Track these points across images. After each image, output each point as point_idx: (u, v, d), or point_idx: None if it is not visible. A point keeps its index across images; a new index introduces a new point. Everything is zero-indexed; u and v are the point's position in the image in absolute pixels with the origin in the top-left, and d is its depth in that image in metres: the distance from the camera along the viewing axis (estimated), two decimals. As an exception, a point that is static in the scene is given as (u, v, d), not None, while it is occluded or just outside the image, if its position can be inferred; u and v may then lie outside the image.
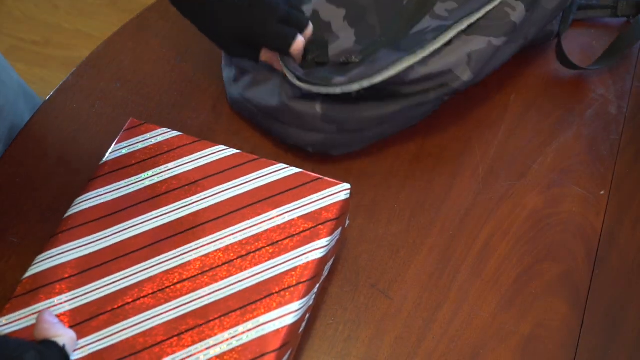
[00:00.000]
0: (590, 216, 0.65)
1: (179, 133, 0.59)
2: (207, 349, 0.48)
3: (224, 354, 0.48)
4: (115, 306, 0.50)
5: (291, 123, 0.64)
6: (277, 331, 0.48)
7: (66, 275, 0.51)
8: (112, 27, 0.78)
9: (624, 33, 0.73)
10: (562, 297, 0.61)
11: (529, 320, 0.59)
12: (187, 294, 0.50)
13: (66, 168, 0.67)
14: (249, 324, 0.49)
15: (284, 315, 0.49)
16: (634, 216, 0.65)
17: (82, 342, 0.48)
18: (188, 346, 0.48)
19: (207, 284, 0.51)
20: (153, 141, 0.59)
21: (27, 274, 0.52)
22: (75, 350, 0.48)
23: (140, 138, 0.59)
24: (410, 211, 0.65)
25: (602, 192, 0.67)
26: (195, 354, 0.48)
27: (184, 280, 0.51)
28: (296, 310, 0.50)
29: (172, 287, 0.51)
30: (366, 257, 0.63)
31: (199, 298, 0.50)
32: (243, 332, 0.48)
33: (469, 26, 0.62)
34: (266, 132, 0.68)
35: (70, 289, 0.51)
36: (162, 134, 0.59)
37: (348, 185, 0.56)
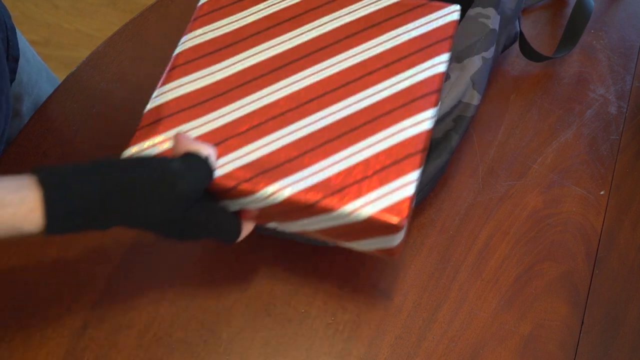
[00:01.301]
0: (590, 216, 0.65)
1: None
2: (347, 157, 0.49)
3: (370, 157, 0.48)
4: (244, 129, 0.50)
5: None
6: (418, 135, 0.49)
7: (187, 106, 0.52)
8: (112, 27, 0.78)
9: (574, 12, 0.74)
10: (562, 297, 0.61)
11: (529, 320, 0.59)
12: (318, 110, 0.51)
13: (66, 168, 0.67)
14: (392, 129, 0.50)
15: (421, 122, 0.50)
16: (634, 216, 0.65)
17: (220, 161, 0.49)
18: (329, 156, 0.49)
19: (339, 99, 0.52)
20: None
21: (148, 108, 0.53)
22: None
23: None
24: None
25: (602, 192, 0.67)
26: (338, 161, 0.48)
27: (314, 99, 0.52)
28: (431, 118, 0.50)
29: (302, 106, 0.51)
30: (366, 257, 0.63)
31: (336, 111, 0.51)
32: (386, 138, 0.49)
33: (458, 54, 0.61)
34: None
35: (196, 117, 0.51)
36: None
37: (458, 7, 0.57)
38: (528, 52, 0.73)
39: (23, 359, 0.57)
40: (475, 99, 0.61)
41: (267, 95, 0.52)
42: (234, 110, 0.52)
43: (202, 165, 0.46)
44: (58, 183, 0.41)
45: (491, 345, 0.58)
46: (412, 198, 0.48)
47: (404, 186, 0.47)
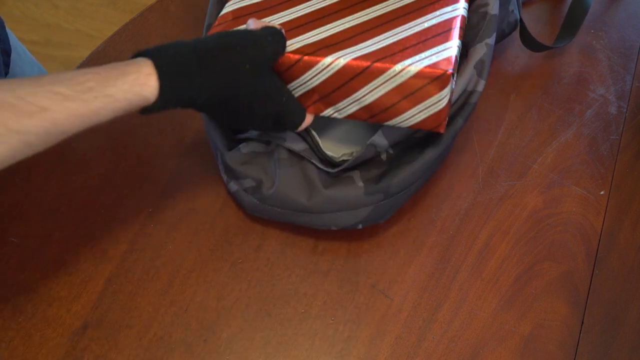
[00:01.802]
0: (590, 216, 0.65)
1: None
2: (393, 35, 0.57)
3: (413, 35, 0.57)
4: (304, 22, 0.59)
5: (330, 209, 0.61)
6: (454, 18, 0.57)
7: (256, 10, 0.62)
8: (112, 27, 0.78)
9: (573, 3, 0.74)
10: (562, 297, 0.61)
11: (529, 320, 0.59)
12: (365, 8, 0.60)
13: (66, 168, 0.67)
14: (429, 15, 0.58)
15: (456, 9, 0.58)
16: (634, 216, 0.65)
17: (291, 41, 0.57)
18: (378, 35, 0.57)
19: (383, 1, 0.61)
20: None
21: (222, 12, 0.62)
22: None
23: None
24: (410, 211, 0.65)
25: (602, 192, 0.67)
26: (386, 38, 0.56)
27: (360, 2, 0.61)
28: (463, 8, 0.59)
29: (351, 7, 0.61)
30: (366, 257, 0.63)
31: (381, 7, 0.60)
32: (425, 21, 0.58)
33: (464, 44, 0.62)
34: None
35: (263, 17, 0.60)
36: None
37: None
38: (528, 41, 0.74)
39: (23, 359, 0.57)
40: (479, 85, 0.61)
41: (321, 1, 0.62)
42: (295, 12, 0.61)
43: (280, 34, 0.54)
44: (162, 53, 0.49)
45: (491, 345, 0.58)
46: (455, 58, 0.54)
47: (446, 49, 0.54)
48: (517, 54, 0.76)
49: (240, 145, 0.63)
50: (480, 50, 0.61)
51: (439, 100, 0.54)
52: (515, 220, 0.65)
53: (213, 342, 0.58)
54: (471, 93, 0.61)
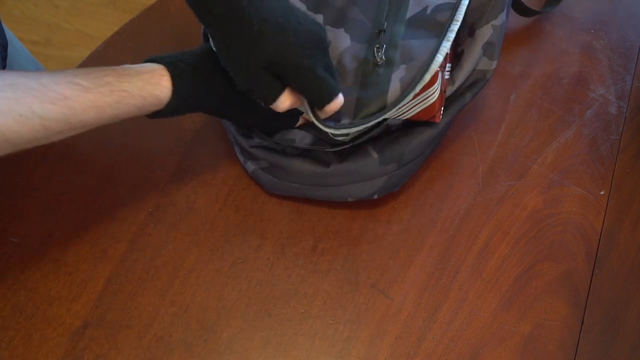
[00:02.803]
0: (590, 216, 0.65)
1: None
2: None
3: None
4: None
5: (346, 182, 0.63)
6: None
7: None
8: (112, 27, 0.78)
9: None
10: (562, 297, 0.61)
11: (529, 320, 0.59)
12: None
13: (66, 168, 0.67)
14: None
15: None
16: (634, 216, 0.65)
17: None
18: None
19: None
20: None
21: None
22: None
23: None
24: (410, 211, 0.65)
25: (602, 192, 0.67)
26: None
27: None
28: None
29: None
30: (366, 257, 0.63)
31: None
32: None
33: (470, 27, 0.63)
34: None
35: None
36: None
37: None
38: (518, 7, 0.76)
39: (23, 359, 0.57)
40: (488, 65, 0.63)
41: None
42: None
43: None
44: (173, 58, 0.52)
45: (491, 345, 0.58)
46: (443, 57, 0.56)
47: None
48: (518, 53, 0.76)
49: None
50: (487, 32, 0.63)
51: (430, 96, 0.58)
52: (515, 220, 0.65)
53: (213, 342, 0.58)
54: (482, 73, 0.64)
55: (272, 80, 0.52)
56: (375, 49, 0.58)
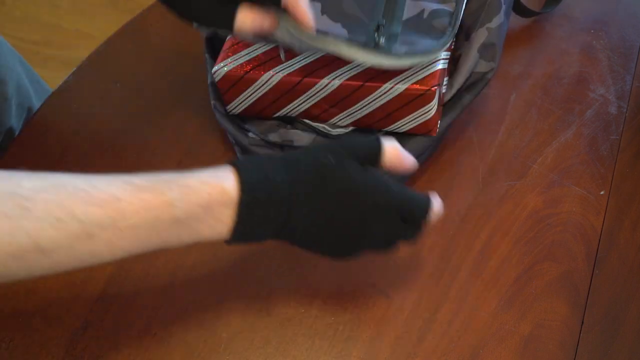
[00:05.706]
0: (590, 216, 0.65)
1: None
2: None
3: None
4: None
5: None
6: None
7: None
8: (112, 27, 0.78)
9: None
10: (562, 297, 0.61)
11: (529, 320, 0.59)
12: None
13: (66, 168, 0.67)
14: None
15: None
16: (633, 216, 0.65)
17: (288, 63, 0.61)
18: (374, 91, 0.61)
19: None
20: None
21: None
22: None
23: None
24: (410, 211, 0.65)
25: (602, 192, 0.67)
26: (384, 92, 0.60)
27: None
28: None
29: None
30: (366, 257, 0.62)
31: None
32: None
33: (466, 31, 0.64)
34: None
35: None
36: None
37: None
38: (518, 8, 0.76)
39: (23, 359, 0.57)
40: (486, 67, 0.64)
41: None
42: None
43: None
44: (237, 161, 0.46)
45: (491, 345, 0.58)
46: (440, 71, 0.59)
47: (433, 64, 0.60)
48: (518, 54, 0.76)
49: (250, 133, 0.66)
50: (482, 35, 0.64)
51: (427, 112, 0.61)
52: (515, 220, 0.65)
53: (213, 342, 0.58)
54: (480, 75, 0.65)
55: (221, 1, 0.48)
56: (375, 34, 0.57)
